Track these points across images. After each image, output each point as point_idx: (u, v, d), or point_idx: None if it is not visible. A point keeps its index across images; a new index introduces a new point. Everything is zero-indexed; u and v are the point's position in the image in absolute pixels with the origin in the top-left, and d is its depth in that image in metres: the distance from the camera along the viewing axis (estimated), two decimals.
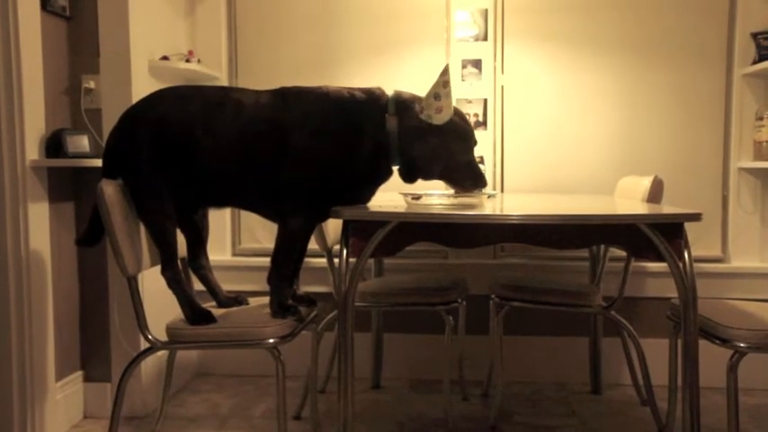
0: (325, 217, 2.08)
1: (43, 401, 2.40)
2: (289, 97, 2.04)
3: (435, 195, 2.17)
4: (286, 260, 2.07)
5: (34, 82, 2.36)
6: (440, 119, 2.02)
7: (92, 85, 2.63)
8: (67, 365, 2.60)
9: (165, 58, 2.82)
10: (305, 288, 2.33)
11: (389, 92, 2.08)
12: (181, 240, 2.29)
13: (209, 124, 2.00)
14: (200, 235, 2.25)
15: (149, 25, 2.75)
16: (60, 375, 2.54)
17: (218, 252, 3.17)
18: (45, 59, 2.44)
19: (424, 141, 2.03)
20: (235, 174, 2.02)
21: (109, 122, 2.56)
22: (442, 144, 2.04)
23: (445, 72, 1.99)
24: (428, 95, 2.00)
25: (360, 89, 2.07)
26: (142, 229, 2.11)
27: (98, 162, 2.50)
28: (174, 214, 2.08)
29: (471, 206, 2.03)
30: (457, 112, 2.07)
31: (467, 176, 2.09)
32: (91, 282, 2.67)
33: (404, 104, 2.04)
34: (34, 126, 2.36)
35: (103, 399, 2.66)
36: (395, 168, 2.09)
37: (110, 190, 1.98)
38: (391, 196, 2.43)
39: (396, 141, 2.02)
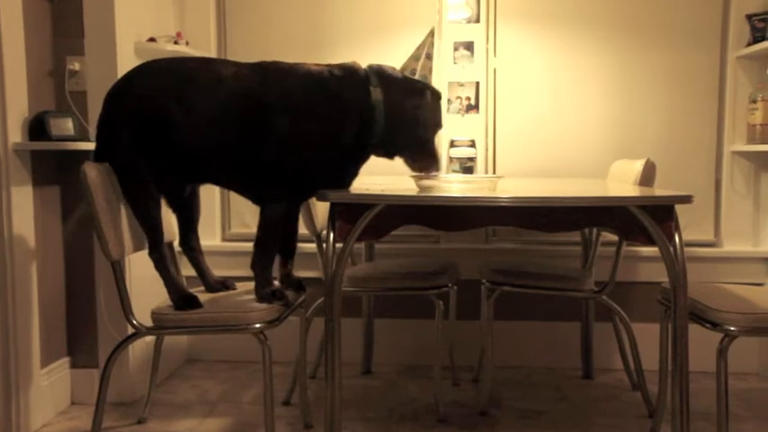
0: (309, 196, 2.06)
1: (28, 388, 2.37)
2: (270, 74, 1.97)
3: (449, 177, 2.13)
4: (269, 246, 2.04)
5: (16, 63, 2.32)
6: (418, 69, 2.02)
7: (76, 66, 2.58)
8: (53, 351, 2.57)
9: (152, 39, 2.77)
10: (294, 273, 2.30)
11: (364, 65, 2.03)
12: (172, 223, 2.27)
13: (185, 99, 1.94)
14: (191, 216, 2.22)
15: (136, 6, 2.70)
16: (46, 362, 2.51)
17: (208, 237, 3.14)
18: (28, 40, 2.39)
19: (412, 103, 1.98)
20: (213, 152, 1.97)
21: (94, 105, 2.52)
22: (421, 109, 1.99)
23: (431, 34, 2.01)
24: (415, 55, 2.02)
25: (337, 66, 2.01)
26: (128, 212, 2.08)
27: (83, 145, 2.47)
28: (157, 195, 2.05)
29: (487, 189, 1.98)
30: (431, 87, 2.03)
31: (424, 154, 2.03)
32: (77, 266, 2.64)
33: (385, 75, 2.00)
34: (17, 108, 2.32)
35: (91, 385, 2.63)
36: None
37: (93, 173, 1.95)
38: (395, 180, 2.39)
39: (382, 112, 1.96)
